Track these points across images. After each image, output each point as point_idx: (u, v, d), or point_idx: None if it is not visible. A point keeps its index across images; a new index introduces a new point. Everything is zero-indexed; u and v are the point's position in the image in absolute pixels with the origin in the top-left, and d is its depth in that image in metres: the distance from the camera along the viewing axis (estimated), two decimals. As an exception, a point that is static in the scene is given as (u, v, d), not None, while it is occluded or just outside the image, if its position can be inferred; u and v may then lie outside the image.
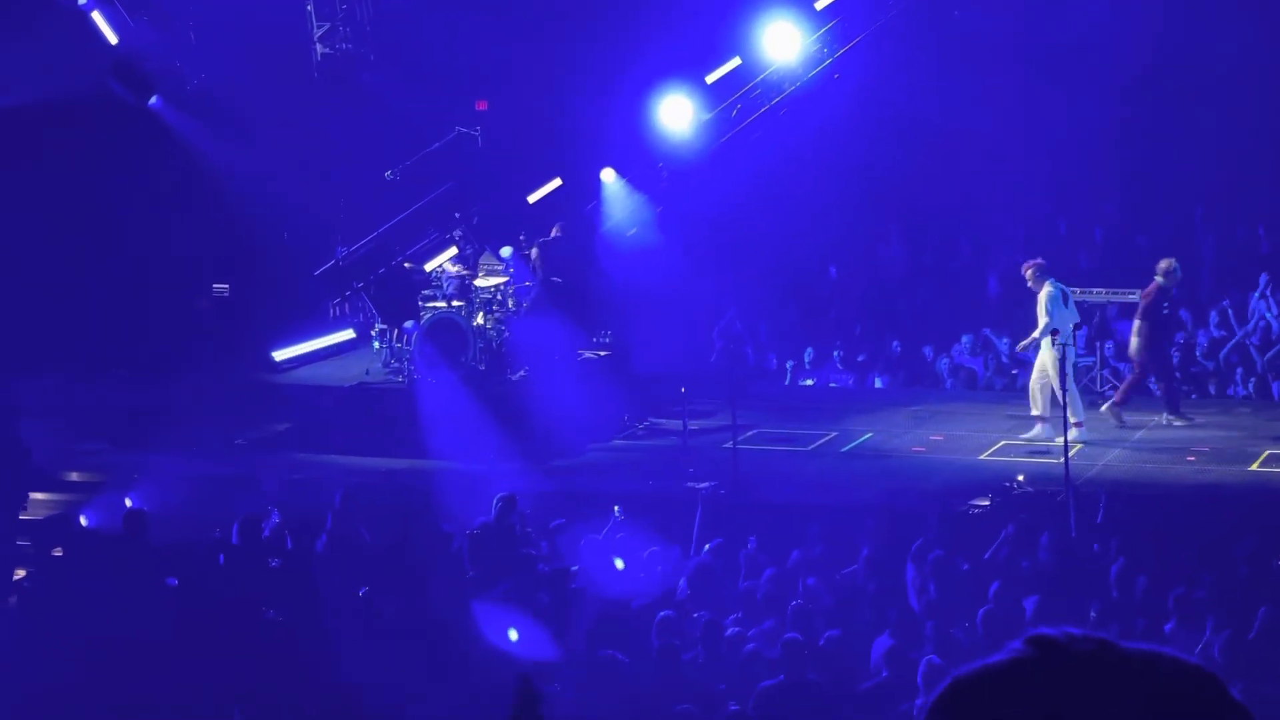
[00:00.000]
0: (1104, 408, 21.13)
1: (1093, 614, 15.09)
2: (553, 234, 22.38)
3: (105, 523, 18.30)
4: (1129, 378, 21.53)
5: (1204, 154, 25.80)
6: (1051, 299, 20.24)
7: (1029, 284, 20.53)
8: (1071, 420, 19.89)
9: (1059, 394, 19.92)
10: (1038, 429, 20.53)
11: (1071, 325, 20.22)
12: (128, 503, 18.45)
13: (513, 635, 15.18)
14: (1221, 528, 17.43)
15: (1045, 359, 20.30)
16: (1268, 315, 23.70)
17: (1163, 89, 26.15)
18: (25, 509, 19.54)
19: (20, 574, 17.94)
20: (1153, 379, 21.78)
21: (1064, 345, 19.57)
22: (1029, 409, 20.87)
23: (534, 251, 22.24)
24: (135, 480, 19.76)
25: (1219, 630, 14.64)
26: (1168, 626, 15.02)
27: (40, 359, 22.31)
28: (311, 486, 19.37)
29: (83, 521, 18.63)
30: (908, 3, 25.52)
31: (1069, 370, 20.04)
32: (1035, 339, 20.40)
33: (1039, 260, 20.73)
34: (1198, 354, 23.72)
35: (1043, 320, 20.20)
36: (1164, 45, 25.76)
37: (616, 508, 17.93)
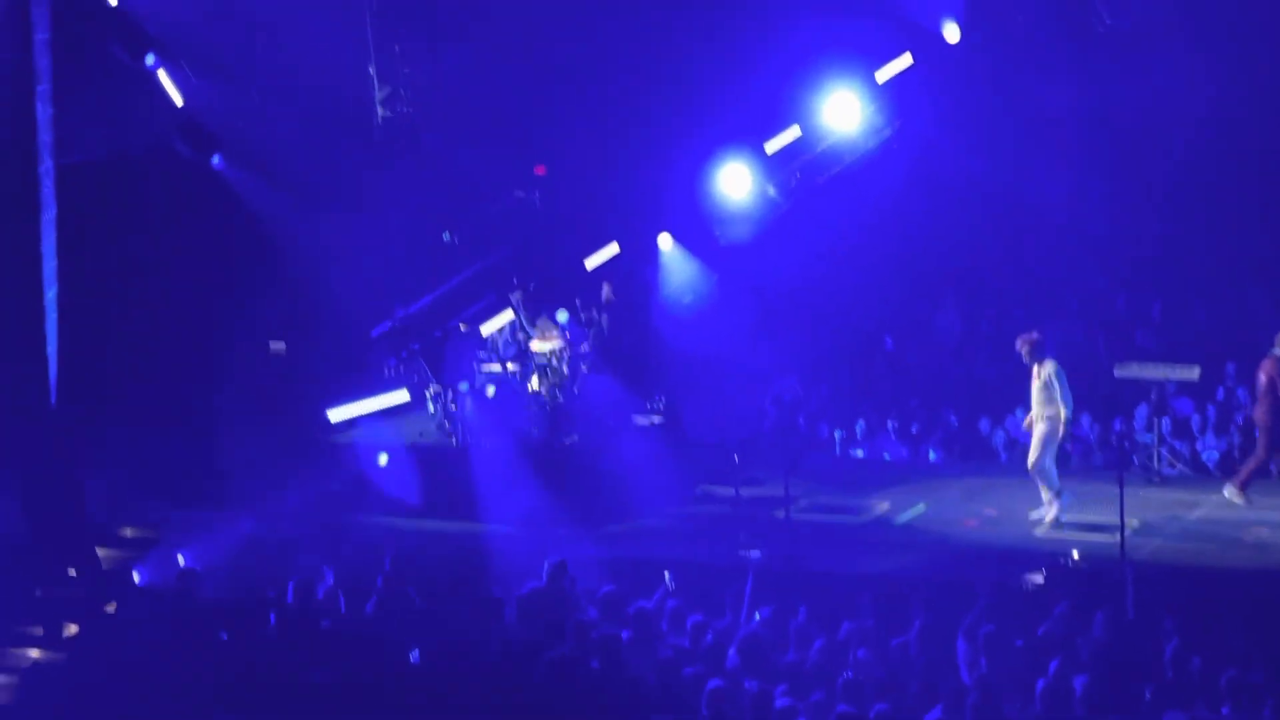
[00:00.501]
0: (1227, 490, 20.91)
1: (1147, 695, 14.95)
2: (604, 294, 22.40)
3: (158, 579, 18.34)
4: (1252, 459, 21.24)
5: (1267, 230, 25.71)
6: (1060, 375, 20.25)
7: (1025, 358, 20.46)
8: (1046, 499, 20.27)
9: (1033, 465, 20.09)
10: (1054, 507, 20.44)
11: (1071, 405, 20.28)
12: (181, 560, 18.49)
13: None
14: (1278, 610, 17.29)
15: (1037, 434, 20.28)
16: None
17: (1223, 164, 26.07)
18: (80, 566, 19.59)
19: (72, 630, 17.99)
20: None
21: (1068, 424, 19.93)
22: (1085, 485, 20.79)
23: (604, 317, 22.27)
24: (189, 537, 19.81)
25: (1277, 714, 14.49)
26: (1225, 709, 14.87)
27: (102, 413, 22.41)
28: (364, 548, 19.37)
29: (136, 578, 18.68)
30: (968, 74, 25.53)
31: (1054, 450, 20.20)
32: (1064, 418, 20.26)
33: (1035, 334, 20.69)
34: (1256, 433, 23.53)
35: (1057, 397, 20.13)
36: (1223, 120, 25.70)
37: (667, 574, 17.89)
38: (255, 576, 18.35)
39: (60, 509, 19.89)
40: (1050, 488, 20.35)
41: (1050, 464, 20.35)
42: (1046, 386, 20.23)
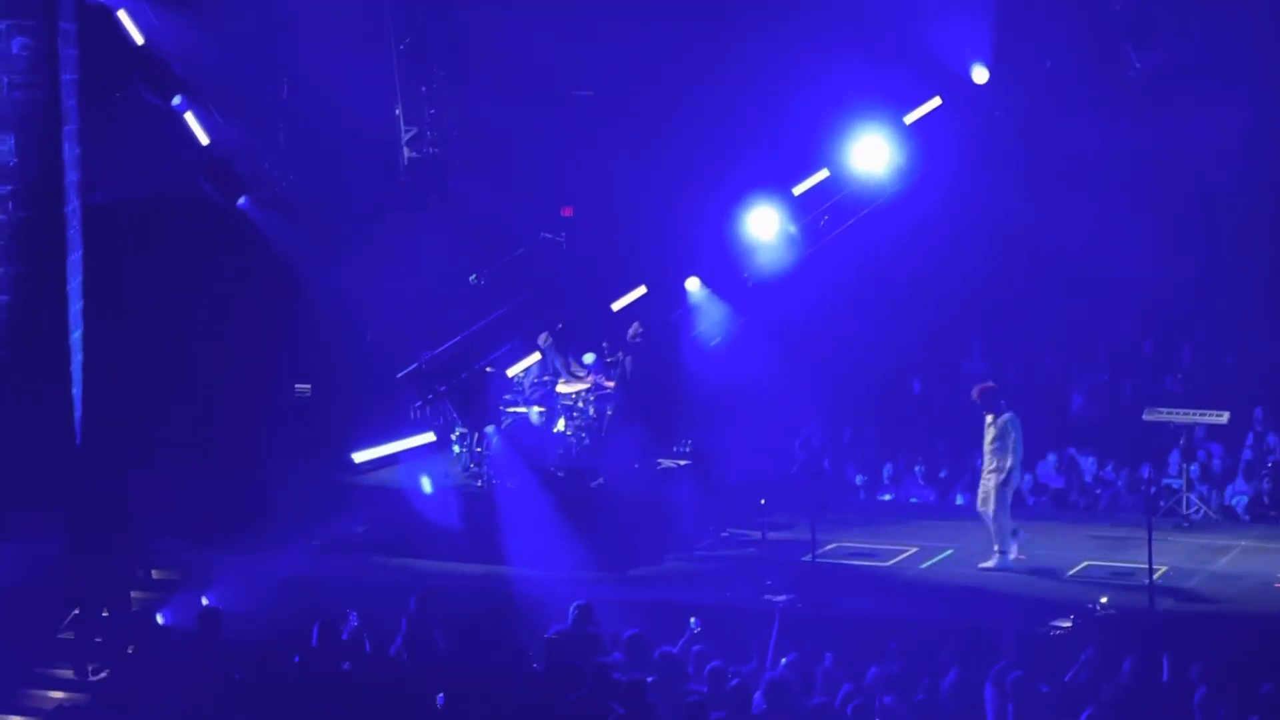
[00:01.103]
0: None
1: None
2: (631, 333, 22.34)
3: (182, 621, 18.31)
4: None
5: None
6: (1014, 427, 20.30)
7: (981, 406, 20.50)
8: (995, 548, 20.34)
9: (990, 517, 20.15)
10: (1008, 552, 20.44)
11: (1019, 459, 20.39)
12: (204, 601, 18.45)
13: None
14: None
15: (992, 484, 20.29)
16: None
17: (1252, 207, 25.96)
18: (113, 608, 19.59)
19: (100, 674, 17.97)
20: None
21: (1012, 474, 20.16)
22: (1114, 531, 20.70)
23: (628, 359, 22.23)
24: (213, 579, 19.78)
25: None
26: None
27: (127, 454, 22.42)
28: (388, 590, 19.32)
29: (159, 620, 18.65)
30: (997, 117, 25.49)
31: (1008, 500, 20.30)
32: (1008, 468, 20.30)
33: (990, 384, 20.85)
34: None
35: (1009, 448, 20.20)
36: (1252, 163, 25.61)
37: (693, 619, 17.81)
38: (280, 618, 18.30)
39: (104, 551, 19.95)
40: (1000, 538, 20.37)
41: (1004, 515, 20.37)
42: (1000, 437, 20.27)
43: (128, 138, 22.16)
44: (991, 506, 20.31)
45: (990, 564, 20.36)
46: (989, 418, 20.40)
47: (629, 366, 22.11)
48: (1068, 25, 24.79)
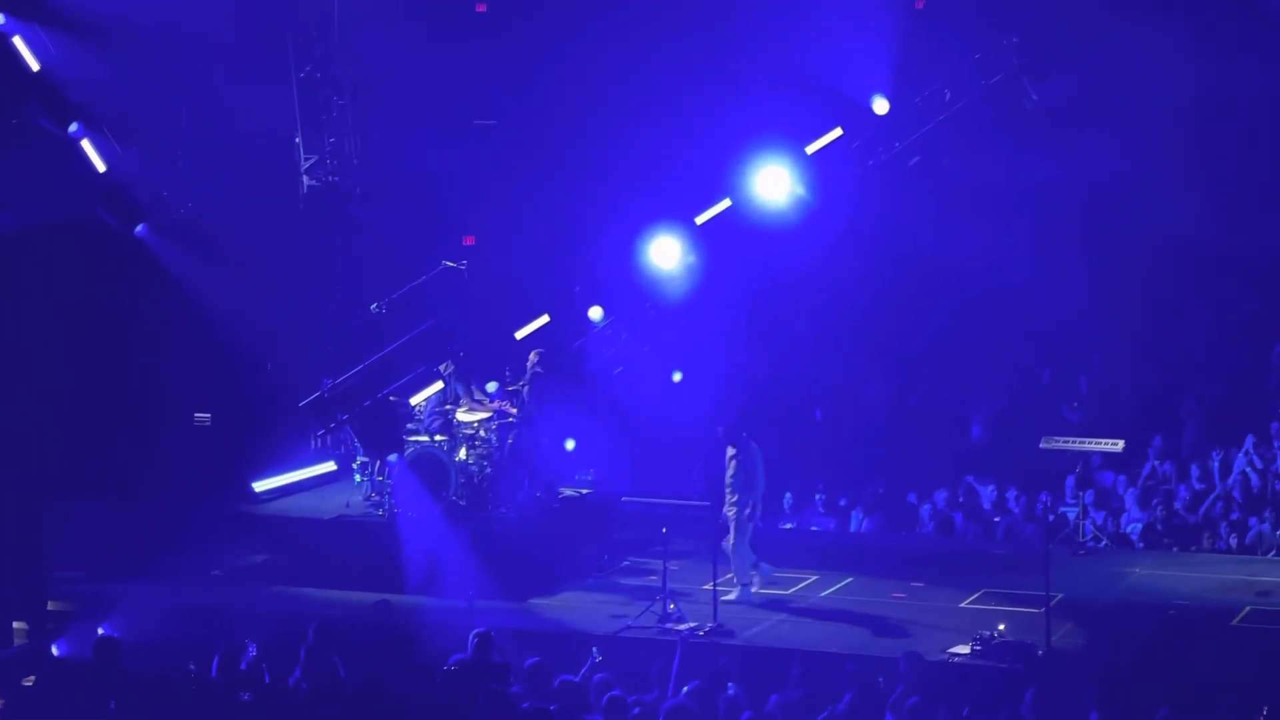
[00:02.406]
0: None
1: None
2: (531, 361, 22.31)
3: (77, 652, 18.13)
4: None
5: (1191, 310, 25.96)
6: (756, 459, 20.46)
7: (723, 439, 20.73)
8: (736, 580, 20.47)
9: (730, 550, 20.32)
10: (749, 585, 20.58)
11: (755, 492, 20.51)
12: (100, 631, 18.27)
13: None
14: (1204, 680, 17.32)
15: (732, 517, 20.48)
16: (1247, 470, 23.74)
17: (1141, 240, 26.26)
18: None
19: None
20: None
21: (749, 508, 20.24)
22: (1011, 558, 20.84)
23: (527, 389, 22.21)
24: (110, 609, 19.61)
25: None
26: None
27: (24, 483, 22.20)
28: (289, 619, 19.21)
29: (54, 651, 18.46)
30: (898, 148, 25.66)
31: (748, 533, 20.43)
32: (732, 501, 20.45)
33: (730, 418, 21.03)
34: (1178, 506, 23.68)
35: (747, 481, 20.36)
36: (1142, 197, 25.89)
37: (595, 649, 17.79)
38: (179, 648, 18.14)
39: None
40: (740, 571, 20.51)
41: (745, 547, 20.49)
42: (739, 471, 20.44)
43: (23, 165, 21.97)
44: (731, 540, 20.38)
45: (731, 596, 20.39)
46: (730, 450, 20.50)
47: (527, 394, 22.09)
48: (967, 57, 25.02)
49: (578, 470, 22.34)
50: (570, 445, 23.13)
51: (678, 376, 25.68)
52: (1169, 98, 25.02)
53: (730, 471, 20.48)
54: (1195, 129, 25.22)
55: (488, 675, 16.70)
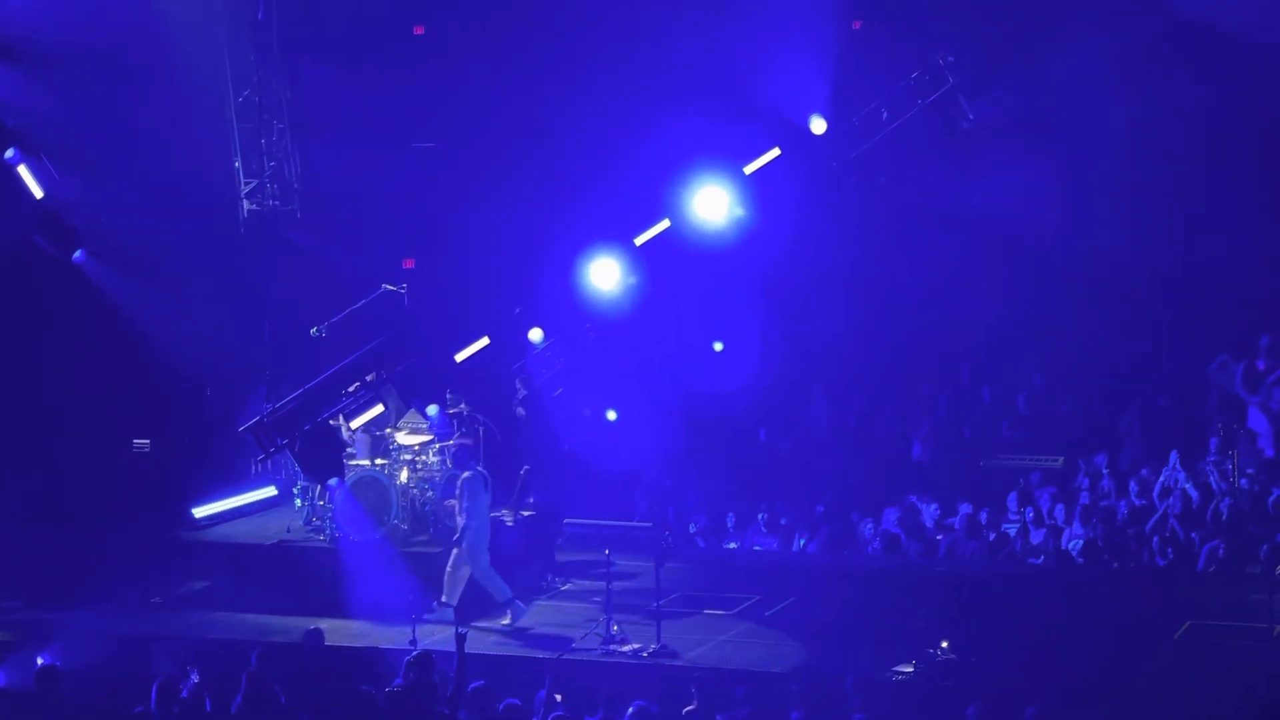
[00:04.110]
0: None
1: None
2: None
3: (18, 681, 17.98)
4: None
5: (1130, 327, 26.14)
6: (473, 484, 20.53)
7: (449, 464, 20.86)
8: (444, 598, 20.45)
9: (480, 577, 20.40)
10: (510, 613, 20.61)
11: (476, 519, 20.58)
12: (39, 661, 18.13)
13: None
14: (1146, 694, 17.42)
15: (469, 540, 20.55)
16: (1185, 485, 23.89)
17: (1073, 261, 26.41)
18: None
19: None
20: None
21: (477, 533, 20.31)
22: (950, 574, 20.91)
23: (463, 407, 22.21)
24: (50, 638, 19.46)
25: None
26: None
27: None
28: (231, 646, 19.11)
29: (-6, 681, 18.32)
30: (835, 168, 25.78)
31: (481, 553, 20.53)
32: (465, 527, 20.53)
33: (469, 440, 21.16)
34: (1119, 522, 23.80)
35: (468, 507, 20.40)
36: (1074, 219, 26.06)
37: (558, 696, 17.68)
38: (120, 677, 18.03)
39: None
40: (499, 594, 20.54)
41: (488, 567, 20.55)
42: (461, 495, 20.50)
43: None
44: (474, 566, 20.46)
45: (506, 621, 20.44)
46: (464, 475, 20.62)
47: (468, 420, 22.08)
48: (904, 76, 25.16)
49: (520, 493, 22.28)
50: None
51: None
52: (1105, 116, 25.22)
53: (457, 496, 20.54)
54: (1132, 147, 25.41)
55: (431, 699, 16.66)
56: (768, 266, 25.82)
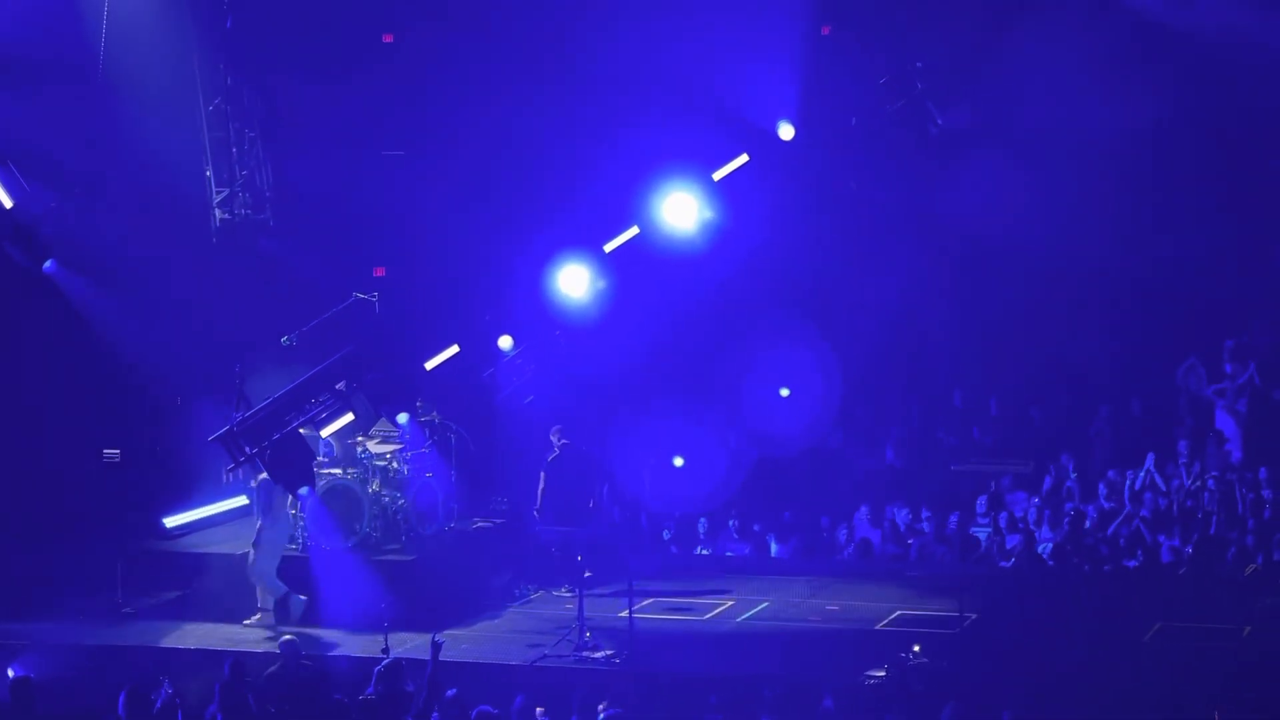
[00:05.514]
0: None
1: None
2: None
3: (-10, 693, 17.93)
4: None
5: (1099, 332, 26.22)
6: (269, 492, 20.85)
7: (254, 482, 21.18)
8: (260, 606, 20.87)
9: (253, 569, 20.76)
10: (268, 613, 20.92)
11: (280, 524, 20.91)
12: (11, 673, 18.09)
13: None
14: (1117, 697, 17.49)
15: (268, 540, 20.86)
16: (1155, 487, 23.96)
17: (1041, 267, 26.48)
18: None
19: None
20: None
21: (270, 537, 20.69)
22: (924, 580, 20.98)
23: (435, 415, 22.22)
24: (20, 649, 19.42)
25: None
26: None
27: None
28: (203, 656, 19.09)
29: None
30: (804, 174, 25.83)
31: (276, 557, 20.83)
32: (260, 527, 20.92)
33: (267, 445, 21.23)
34: (1088, 525, 23.89)
35: (272, 509, 20.83)
36: (1039, 225, 26.13)
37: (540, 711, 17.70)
38: (91, 687, 18.01)
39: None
40: (272, 593, 20.82)
41: (270, 568, 20.80)
42: (263, 498, 20.82)
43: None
44: (258, 562, 20.83)
45: (255, 619, 20.79)
46: (260, 476, 20.95)
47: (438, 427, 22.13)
48: (872, 82, 25.21)
49: (492, 499, 22.30)
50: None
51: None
52: (1073, 121, 25.29)
53: (261, 497, 20.85)
54: (1099, 152, 25.50)
55: (403, 707, 16.67)
56: (736, 272, 25.85)
